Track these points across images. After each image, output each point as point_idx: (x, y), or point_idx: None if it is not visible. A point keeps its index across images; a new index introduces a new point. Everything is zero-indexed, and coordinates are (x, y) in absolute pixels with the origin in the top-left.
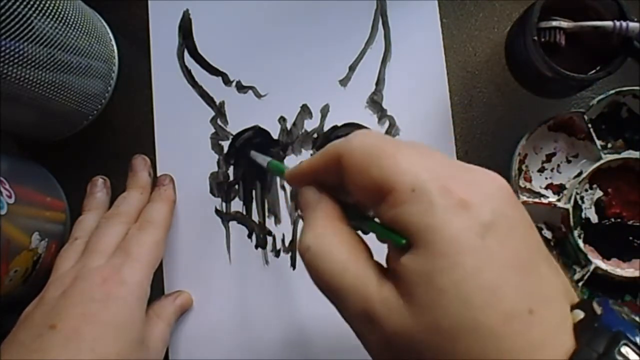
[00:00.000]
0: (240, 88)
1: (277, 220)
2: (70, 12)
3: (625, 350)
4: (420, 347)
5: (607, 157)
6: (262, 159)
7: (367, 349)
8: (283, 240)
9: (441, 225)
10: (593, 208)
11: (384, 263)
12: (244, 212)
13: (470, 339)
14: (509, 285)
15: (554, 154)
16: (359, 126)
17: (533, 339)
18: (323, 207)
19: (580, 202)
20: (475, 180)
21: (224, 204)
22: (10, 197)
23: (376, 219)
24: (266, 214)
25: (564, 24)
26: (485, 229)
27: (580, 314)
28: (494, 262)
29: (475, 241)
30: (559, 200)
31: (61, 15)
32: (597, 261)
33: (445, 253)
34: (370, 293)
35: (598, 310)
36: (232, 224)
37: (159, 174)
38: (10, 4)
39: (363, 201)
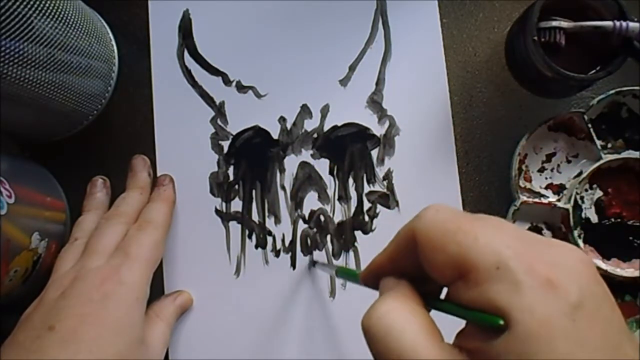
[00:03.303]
0: (240, 88)
1: (277, 220)
2: (70, 12)
3: None
4: None
5: (607, 157)
6: (329, 269)
7: None
8: (283, 240)
9: (531, 306)
10: (593, 208)
11: None
12: (244, 212)
13: None
14: None
15: (554, 154)
16: (359, 126)
17: None
18: (400, 288)
19: (580, 202)
20: (558, 257)
21: (224, 204)
22: (10, 197)
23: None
24: (266, 214)
25: (564, 24)
26: (575, 310)
27: None
28: (584, 346)
29: (566, 324)
30: (559, 200)
31: (61, 15)
32: (597, 261)
33: (539, 336)
34: None
35: None
36: (232, 224)
37: (159, 174)
38: (10, 4)
39: (440, 279)
